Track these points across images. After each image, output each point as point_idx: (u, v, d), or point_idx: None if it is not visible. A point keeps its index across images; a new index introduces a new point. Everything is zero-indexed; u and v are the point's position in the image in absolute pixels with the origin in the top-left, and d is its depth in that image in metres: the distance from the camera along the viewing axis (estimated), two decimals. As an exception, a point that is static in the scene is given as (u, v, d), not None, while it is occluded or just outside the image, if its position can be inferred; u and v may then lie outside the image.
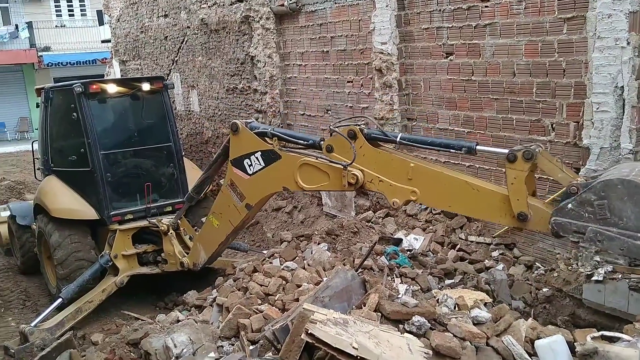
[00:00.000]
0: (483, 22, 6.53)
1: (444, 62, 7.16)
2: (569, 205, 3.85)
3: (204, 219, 7.13)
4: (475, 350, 3.36)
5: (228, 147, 5.92)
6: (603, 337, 3.49)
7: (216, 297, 6.13)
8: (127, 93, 7.81)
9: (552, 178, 4.10)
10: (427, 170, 4.70)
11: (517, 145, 4.30)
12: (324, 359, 3.24)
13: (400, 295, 3.87)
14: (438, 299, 4.11)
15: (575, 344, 3.38)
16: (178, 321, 6.08)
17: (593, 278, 5.00)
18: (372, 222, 7.61)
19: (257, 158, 5.74)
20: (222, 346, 4.96)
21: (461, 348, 3.26)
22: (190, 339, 4.66)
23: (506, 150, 4.28)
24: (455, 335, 3.39)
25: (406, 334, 3.35)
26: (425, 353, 3.10)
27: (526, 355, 3.37)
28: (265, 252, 7.19)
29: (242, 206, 6.04)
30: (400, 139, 4.88)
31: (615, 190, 3.68)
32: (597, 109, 5.36)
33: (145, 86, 7.75)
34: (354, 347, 2.88)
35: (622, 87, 5.16)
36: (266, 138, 5.69)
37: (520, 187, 4.14)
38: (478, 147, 4.52)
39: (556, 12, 5.82)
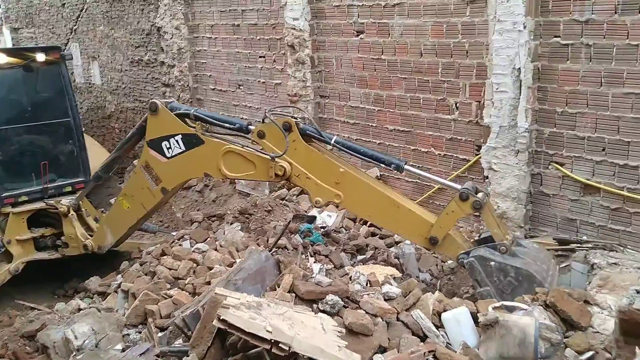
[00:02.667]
0: (392, 2, 6.60)
1: (355, 40, 7.20)
2: (492, 263, 4.24)
3: (112, 201, 6.77)
4: (387, 326, 3.46)
5: (144, 126, 5.66)
6: (503, 307, 3.70)
7: (121, 282, 5.87)
8: (20, 64, 7.17)
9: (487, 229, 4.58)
10: (356, 179, 4.85)
11: (468, 183, 4.64)
12: (236, 344, 3.20)
13: (314, 275, 3.89)
14: (351, 277, 4.17)
15: (478, 314, 3.57)
16: (79, 310, 5.77)
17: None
18: (286, 200, 7.59)
19: (177, 141, 5.54)
20: (128, 334, 4.76)
21: (373, 325, 3.33)
22: (93, 329, 4.41)
23: (446, 182, 4.87)
24: (367, 312, 3.46)
25: (320, 314, 3.37)
26: (338, 332, 3.13)
27: (434, 328, 3.51)
28: (174, 233, 6.98)
29: (157, 190, 5.83)
30: (334, 141, 4.96)
31: (530, 285, 4.12)
32: (497, 89, 5.62)
33: (40, 57, 7.14)
34: (267, 331, 2.85)
35: (519, 68, 5.42)
36: (187, 120, 5.51)
37: (451, 220, 4.54)
38: (406, 167, 4.78)
39: (461, -6, 5.99)
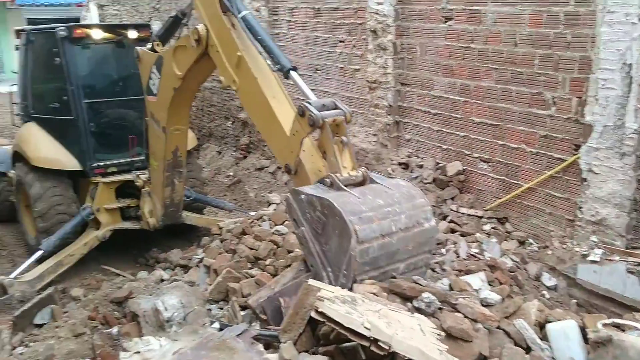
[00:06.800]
0: (486, -12, 6.32)
1: (442, 27, 6.96)
2: (302, 196, 3.65)
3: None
4: (487, 334, 3.31)
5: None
6: (613, 324, 3.45)
7: (203, 257, 6.01)
8: (113, 40, 7.39)
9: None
10: (247, 70, 4.32)
11: (327, 100, 3.99)
12: (329, 335, 3.16)
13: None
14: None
15: (587, 330, 3.34)
16: (162, 280, 5.97)
17: (589, 258, 5.00)
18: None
19: (154, 73, 5.63)
20: (210, 309, 4.87)
21: (473, 330, 3.19)
22: (181, 302, 4.52)
23: (310, 98, 4.06)
24: (466, 317, 3.33)
25: (417, 314, 3.27)
26: (437, 335, 3.03)
27: (539, 341, 3.28)
28: (252, 213, 7.04)
29: (160, 131, 5.90)
30: (242, 17, 4.38)
31: (335, 220, 3.47)
32: (603, 85, 5.26)
33: (132, 33, 7.34)
34: (366, 328, 2.80)
35: (630, 64, 5.04)
36: (158, 48, 5.63)
37: (297, 142, 3.90)
38: (292, 73, 4.25)
39: (566, -17, 5.65)
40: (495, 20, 6.35)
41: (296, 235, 3.82)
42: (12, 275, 6.38)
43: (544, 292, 4.83)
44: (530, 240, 5.92)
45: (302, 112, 3.77)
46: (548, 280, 5.01)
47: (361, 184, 3.76)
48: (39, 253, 6.75)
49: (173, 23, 5.59)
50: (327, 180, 3.65)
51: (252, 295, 4.16)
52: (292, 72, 4.16)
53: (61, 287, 6.52)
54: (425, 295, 3.36)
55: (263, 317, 3.82)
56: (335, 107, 3.85)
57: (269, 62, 4.22)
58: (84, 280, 6.88)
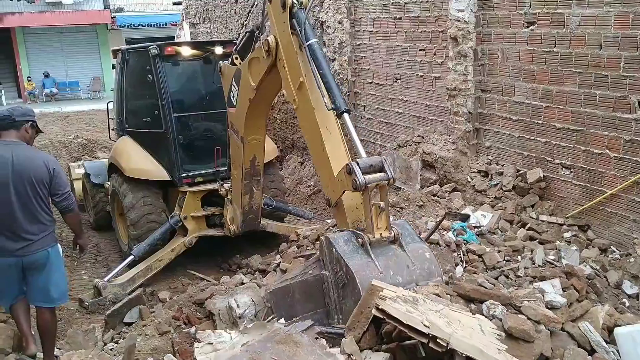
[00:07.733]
0: (570, -9, 6.14)
1: (524, 32, 6.82)
2: (334, 250, 3.71)
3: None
4: (550, 335, 3.25)
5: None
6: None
7: (280, 262, 6.22)
8: (200, 56, 7.85)
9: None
10: (306, 95, 4.32)
11: (373, 160, 3.92)
12: (391, 334, 3.23)
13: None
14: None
15: (658, 336, 3.20)
16: (242, 284, 6.24)
17: (675, 267, 4.72)
18: (438, 196, 7.47)
19: (234, 85, 5.81)
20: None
21: (535, 331, 3.15)
22: (253, 301, 4.73)
23: (359, 152, 4.02)
24: (529, 318, 3.29)
25: (478, 315, 3.27)
26: (497, 334, 3.02)
27: (604, 344, 3.20)
28: (329, 221, 7.20)
29: (239, 141, 6.07)
30: (309, 44, 4.25)
31: (354, 291, 3.56)
32: (693, 86, 4.98)
33: (218, 50, 7.75)
34: (425, 325, 2.85)
35: None
36: (237, 61, 5.84)
37: (339, 188, 3.95)
38: (345, 116, 4.08)
39: (653, -19, 5.39)
40: (579, 23, 6.15)
41: (321, 273, 3.93)
42: (106, 279, 6.90)
43: (625, 300, 4.61)
44: (613, 248, 5.65)
45: (349, 171, 3.81)
46: (629, 288, 4.78)
47: (392, 242, 3.86)
48: (130, 258, 7.23)
49: (249, 37, 5.88)
50: (360, 240, 3.74)
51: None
52: (344, 115, 4.10)
53: (150, 290, 6.97)
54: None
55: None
56: (382, 169, 3.85)
57: (325, 99, 4.20)
58: (171, 283, 7.31)
